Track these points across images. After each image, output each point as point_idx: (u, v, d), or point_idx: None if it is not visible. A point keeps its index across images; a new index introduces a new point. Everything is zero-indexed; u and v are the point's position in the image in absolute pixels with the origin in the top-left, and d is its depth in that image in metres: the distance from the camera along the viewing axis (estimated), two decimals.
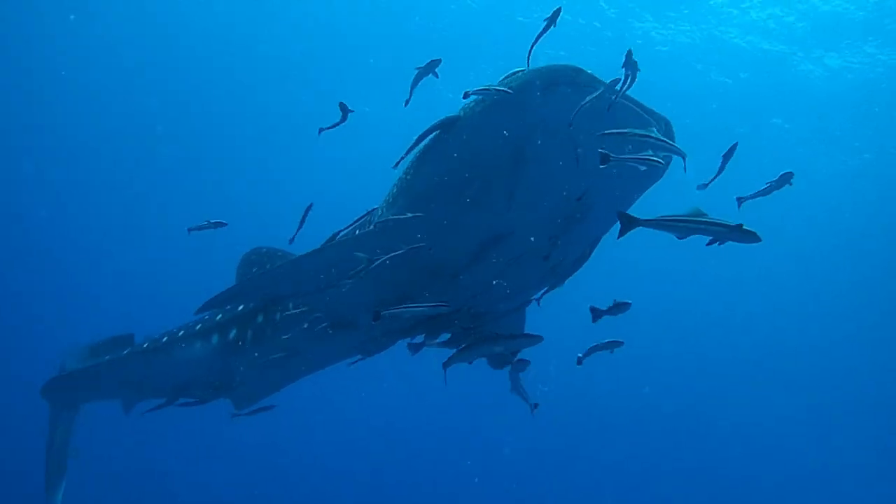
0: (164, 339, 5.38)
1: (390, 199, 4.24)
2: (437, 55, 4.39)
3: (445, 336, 4.57)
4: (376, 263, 3.84)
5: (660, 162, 3.35)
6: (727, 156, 4.43)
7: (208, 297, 4.25)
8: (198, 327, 5.28)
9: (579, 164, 3.50)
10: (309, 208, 5.12)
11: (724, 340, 28.86)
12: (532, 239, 3.92)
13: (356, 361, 4.89)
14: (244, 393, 5.31)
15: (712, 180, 4.46)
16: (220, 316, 5.24)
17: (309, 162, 27.03)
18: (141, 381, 5.50)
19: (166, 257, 28.85)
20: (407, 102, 4.40)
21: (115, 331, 5.88)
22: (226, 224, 5.46)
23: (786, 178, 4.51)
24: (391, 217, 4.05)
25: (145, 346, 5.46)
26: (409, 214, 3.87)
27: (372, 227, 4.21)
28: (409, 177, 4.11)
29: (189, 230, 5.47)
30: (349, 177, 24.04)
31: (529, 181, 3.66)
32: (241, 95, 24.77)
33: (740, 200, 4.67)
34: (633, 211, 3.50)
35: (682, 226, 2.95)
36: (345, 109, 4.51)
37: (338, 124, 4.59)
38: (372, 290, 4.27)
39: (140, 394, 5.70)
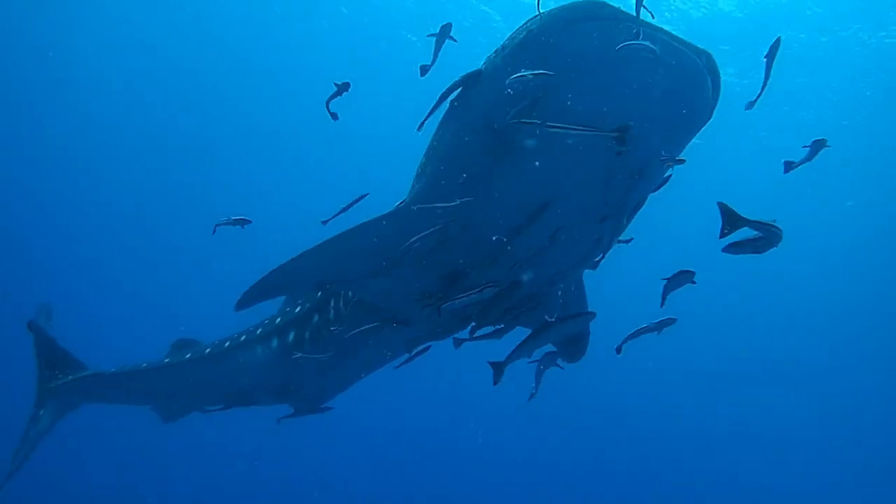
0: (227, 343, 5.31)
1: (419, 170, 4.05)
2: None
3: (488, 328, 4.40)
4: (420, 236, 3.61)
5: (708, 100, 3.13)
6: (770, 56, 4.04)
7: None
8: (258, 332, 5.20)
9: (614, 107, 3.20)
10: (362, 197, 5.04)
11: (726, 341, 28.84)
12: (577, 201, 3.58)
13: (413, 357, 4.72)
14: (304, 397, 5.25)
15: (759, 95, 4.18)
16: (279, 319, 5.16)
17: (309, 162, 27.06)
18: (200, 386, 5.45)
19: (166, 259, 28.90)
20: (426, 70, 4.20)
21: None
22: (250, 221, 5.42)
23: (820, 144, 4.29)
24: (422, 186, 3.83)
25: (208, 351, 5.39)
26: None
27: (405, 200, 4.01)
28: (435, 142, 3.90)
29: (215, 227, 5.45)
30: (349, 182, 24.04)
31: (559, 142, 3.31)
32: (239, 97, 24.75)
33: (788, 166, 4.47)
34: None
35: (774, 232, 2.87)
36: (342, 88, 4.46)
37: (335, 96, 4.53)
38: (415, 276, 4.09)
39: (196, 399, 5.63)
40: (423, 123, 3.63)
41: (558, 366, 4.56)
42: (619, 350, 4.34)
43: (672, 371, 28.52)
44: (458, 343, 4.39)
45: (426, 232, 3.62)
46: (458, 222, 3.66)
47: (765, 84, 4.07)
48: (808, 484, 26.18)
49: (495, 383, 4.06)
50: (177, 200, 28.21)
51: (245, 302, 4.02)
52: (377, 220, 3.91)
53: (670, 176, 3.81)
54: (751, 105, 4.42)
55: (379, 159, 22.16)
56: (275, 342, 5.05)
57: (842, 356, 27.64)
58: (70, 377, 5.87)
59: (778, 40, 3.98)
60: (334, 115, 4.71)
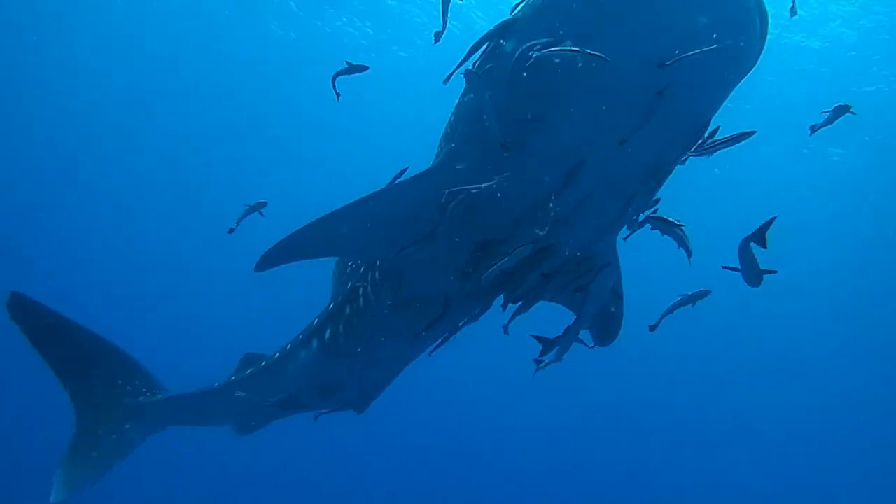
0: (277, 354, 5.29)
1: (448, 130, 3.87)
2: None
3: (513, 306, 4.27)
4: (470, 188, 3.43)
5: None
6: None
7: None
8: (300, 337, 5.17)
9: (654, 49, 3.03)
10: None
11: (727, 342, 28.85)
12: (614, 154, 3.39)
13: (446, 340, 4.57)
14: (347, 397, 5.19)
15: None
16: (316, 320, 5.12)
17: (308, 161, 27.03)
18: (261, 399, 5.32)
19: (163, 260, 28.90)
20: (440, 36, 4.08)
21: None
22: (265, 203, 5.31)
23: (843, 109, 4.19)
24: (453, 147, 3.65)
25: (263, 364, 5.35)
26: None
27: (436, 162, 3.84)
28: (466, 98, 3.67)
29: (234, 226, 5.39)
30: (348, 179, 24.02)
31: (600, 82, 3.15)
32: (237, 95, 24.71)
33: (813, 129, 4.38)
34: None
35: None
36: (356, 68, 4.37)
37: (346, 73, 4.44)
38: (449, 244, 3.89)
39: (261, 413, 5.52)
40: (450, 77, 3.48)
41: (583, 342, 4.41)
42: (653, 328, 4.29)
43: (671, 371, 28.57)
44: (505, 328, 4.27)
45: (476, 186, 3.43)
46: (500, 181, 3.45)
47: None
48: (806, 484, 26.19)
49: (540, 358, 4.04)
50: (177, 200, 28.26)
51: (266, 263, 3.75)
52: (416, 179, 3.76)
53: (706, 139, 3.58)
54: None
55: (378, 158, 22.12)
56: (315, 343, 5.00)
57: (842, 355, 27.64)
58: (159, 396, 5.62)
59: None
60: (338, 94, 4.60)
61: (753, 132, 3.53)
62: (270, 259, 3.73)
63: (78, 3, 20.12)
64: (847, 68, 17.22)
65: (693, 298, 4.08)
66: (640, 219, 3.81)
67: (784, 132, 18.63)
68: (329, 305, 5.03)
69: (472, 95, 3.60)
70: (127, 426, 5.56)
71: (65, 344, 5.35)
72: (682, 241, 3.59)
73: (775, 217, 3.24)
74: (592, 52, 2.92)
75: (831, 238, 24.73)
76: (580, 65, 2.97)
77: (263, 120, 25.23)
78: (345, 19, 19.55)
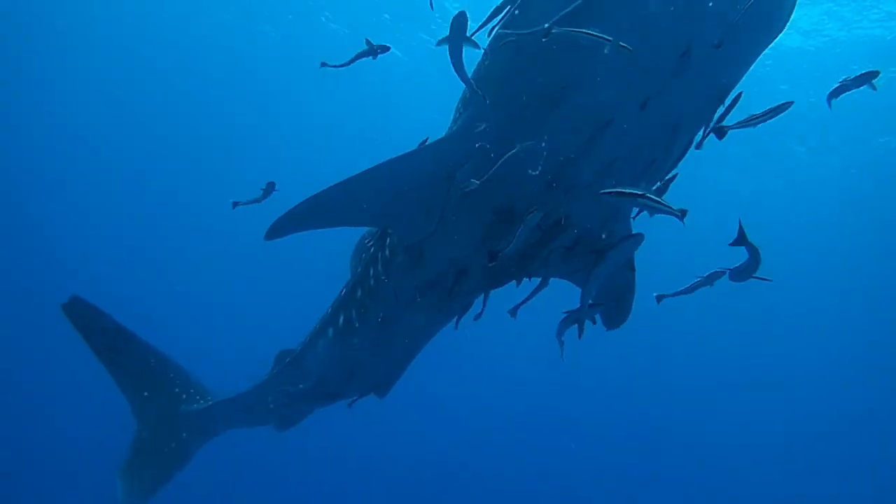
0: (299, 349, 5.24)
1: (467, 95, 3.68)
2: None
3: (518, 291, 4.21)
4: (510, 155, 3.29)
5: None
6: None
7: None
8: (317, 326, 5.10)
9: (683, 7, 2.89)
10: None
11: (729, 343, 28.86)
12: (637, 118, 3.25)
13: (463, 314, 4.47)
14: (369, 382, 5.13)
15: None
16: (330, 309, 5.06)
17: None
18: (291, 393, 5.35)
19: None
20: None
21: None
22: (273, 183, 5.31)
23: (872, 75, 4.00)
24: (472, 112, 3.52)
25: (288, 360, 5.31)
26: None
27: (454, 129, 3.71)
28: (487, 62, 3.50)
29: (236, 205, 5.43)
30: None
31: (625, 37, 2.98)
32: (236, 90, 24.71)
33: (837, 92, 4.21)
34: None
35: None
36: (376, 49, 4.33)
37: (364, 55, 4.44)
38: (468, 215, 3.77)
39: (293, 408, 5.53)
40: (472, 35, 3.36)
41: (593, 321, 4.35)
42: (659, 299, 4.26)
43: (671, 375, 28.58)
44: (513, 312, 4.23)
45: (512, 152, 3.29)
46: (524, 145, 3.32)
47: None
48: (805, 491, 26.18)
49: (560, 335, 4.01)
50: (179, 200, 28.29)
51: (277, 231, 3.58)
52: (435, 146, 3.65)
53: (729, 107, 3.46)
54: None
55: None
56: (330, 331, 4.93)
57: (840, 362, 27.63)
58: (210, 401, 5.62)
59: None
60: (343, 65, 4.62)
61: (791, 103, 3.49)
62: (281, 227, 3.58)
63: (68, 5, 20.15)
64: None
65: (710, 279, 3.97)
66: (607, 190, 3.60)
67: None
68: (341, 292, 4.95)
69: (491, 60, 3.46)
70: (184, 435, 5.59)
71: (123, 351, 5.39)
72: (653, 208, 3.42)
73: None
74: (623, 45, 2.83)
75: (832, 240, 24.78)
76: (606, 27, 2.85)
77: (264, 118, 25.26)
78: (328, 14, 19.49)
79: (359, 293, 4.68)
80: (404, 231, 4.11)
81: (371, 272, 4.54)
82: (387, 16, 18.54)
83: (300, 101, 23.82)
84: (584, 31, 2.84)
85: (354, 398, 5.23)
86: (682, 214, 3.18)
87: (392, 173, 3.64)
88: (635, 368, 28.46)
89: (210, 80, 24.19)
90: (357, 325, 4.71)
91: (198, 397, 5.62)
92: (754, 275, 3.61)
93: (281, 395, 5.29)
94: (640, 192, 2.99)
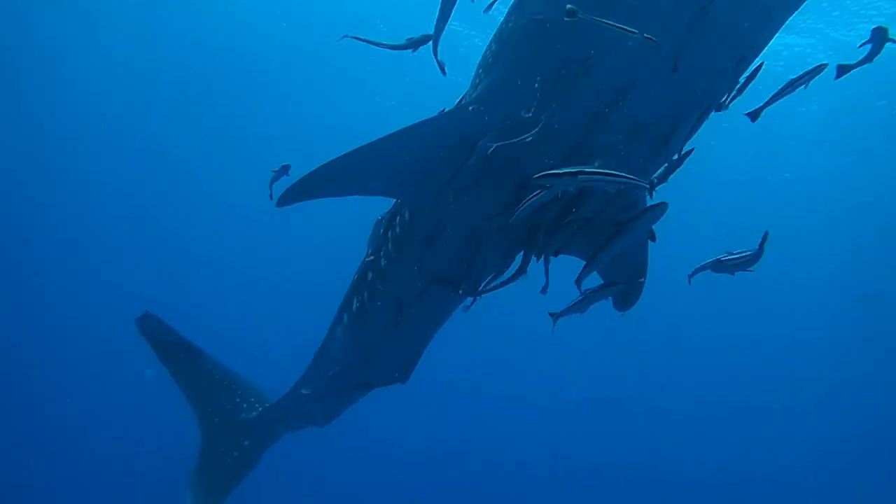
0: (321, 344, 5.24)
1: (489, 60, 3.57)
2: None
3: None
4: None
5: None
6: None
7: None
8: (335, 315, 5.06)
9: None
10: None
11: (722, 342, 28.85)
12: (659, 81, 3.17)
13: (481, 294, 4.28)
14: (387, 367, 5.06)
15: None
16: (344, 296, 5.02)
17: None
18: (327, 384, 5.35)
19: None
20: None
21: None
22: (289, 166, 5.33)
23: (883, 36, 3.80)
24: (496, 77, 3.41)
25: (315, 350, 5.35)
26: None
27: (475, 94, 3.57)
28: (510, 24, 3.39)
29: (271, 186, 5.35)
30: None
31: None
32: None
33: (842, 70, 4.21)
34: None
35: None
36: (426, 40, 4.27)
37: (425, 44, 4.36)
38: (486, 184, 3.66)
39: (333, 399, 5.52)
40: (492, 5, 3.38)
41: (606, 298, 4.29)
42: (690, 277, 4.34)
43: (669, 374, 28.59)
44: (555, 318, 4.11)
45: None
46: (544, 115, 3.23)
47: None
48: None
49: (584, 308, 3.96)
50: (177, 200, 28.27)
51: (289, 197, 3.50)
52: (456, 112, 3.54)
53: (752, 74, 3.38)
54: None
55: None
56: (345, 317, 4.90)
57: (843, 365, 27.62)
58: (264, 404, 5.75)
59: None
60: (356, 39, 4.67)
61: (825, 65, 3.47)
62: (294, 193, 3.50)
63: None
64: None
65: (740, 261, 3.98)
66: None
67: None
68: (354, 277, 4.91)
69: (514, 23, 3.37)
70: (245, 443, 5.73)
71: (188, 364, 5.64)
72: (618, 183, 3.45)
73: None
74: (648, 37, 2.77)
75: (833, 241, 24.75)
76: None
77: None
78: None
79: (370, 276, 4.61)
80: (419, 202, 3.96)
81: (382, 252, 4.46)
82: None
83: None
84: (608, 22, 2.80)
85: (382, 385, 5.18)
86: (650, 187, 3.28)
87: (410, 140, 3.53)
88: (636, 368, 28.52)
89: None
90: (369, 308, 4.65)
91: (256, 405, 5.74)
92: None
93: (316, 387, 5.30)
94: (575, 170, 2.94)
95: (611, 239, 3.73)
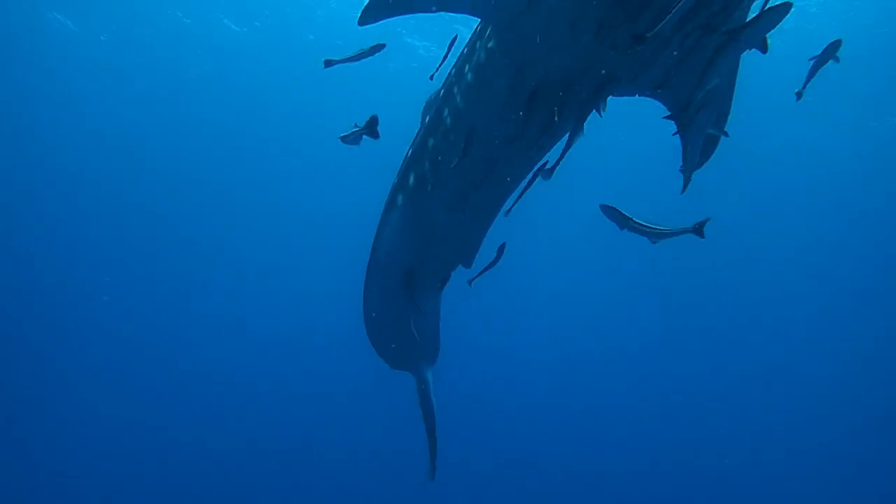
0: (375, 238, 4.89)
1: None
2: None
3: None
4: None
5: None
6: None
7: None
8: (386, 202, 4.71)
9: None
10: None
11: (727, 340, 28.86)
12: None
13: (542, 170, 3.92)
14: (448, 250, 4.72)
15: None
16: (396, 177, 4.68)
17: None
18: (384, 289, 5.03)
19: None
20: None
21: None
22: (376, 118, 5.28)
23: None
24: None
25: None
26: None
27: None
28: None
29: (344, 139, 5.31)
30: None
31: None
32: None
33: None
34: None
35: None
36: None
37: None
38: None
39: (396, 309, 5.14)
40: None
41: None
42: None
43: (668, 375, 28.61)
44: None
45: None
46: None
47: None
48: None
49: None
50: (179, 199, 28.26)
51: (371, 15, 3.49)
52: None
53: None
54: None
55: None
56: (400, 198, 4.57)
57: (837, 359, 27.66)
58: None
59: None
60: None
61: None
62: (373, 9, 3.46)
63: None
64: None
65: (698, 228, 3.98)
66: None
67: None
68: (408, 152, 4.60)
69: None
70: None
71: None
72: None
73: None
74: None
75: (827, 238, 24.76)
76: None
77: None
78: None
79: (431, 142, 4.29)
80: (505, 16, 3.54)
81: (445, 113, 4.17)
82: None
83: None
84: None
85: (440, 277, 4.86)
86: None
87: None
88: (634, 368, 28.54)
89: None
90: (430, 179, 4.31)
91: None
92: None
93: (381, 299, 4.99)
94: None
95: (721, 48, 3.25)
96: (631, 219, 3.98)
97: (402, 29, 18.18)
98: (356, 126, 4.50)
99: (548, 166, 3.85)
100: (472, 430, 25.65)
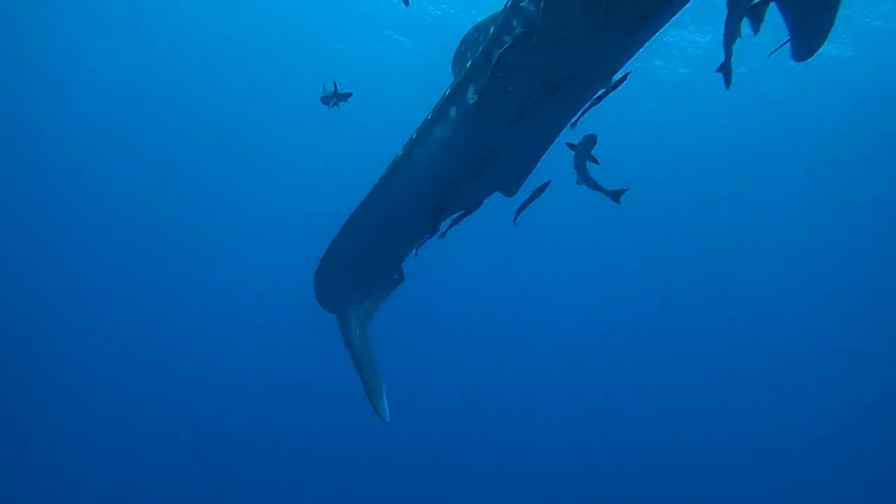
0: (401, 151, 4.59)
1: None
2: None
3: None
4: None
5: None
6: None
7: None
8: (429, 117, 4.43)
9: None
10: None
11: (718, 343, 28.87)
12: None
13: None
14: (503, 168, 4.45)
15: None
16: (449, 89, 4.37)
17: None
18: (396, 216, 4.70)
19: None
20: None
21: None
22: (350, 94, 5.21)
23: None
24: None
25: (393, 159, 4.69)
26: None
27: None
28: None
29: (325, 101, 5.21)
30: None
31: None
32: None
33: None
34: None
35: None
36: None
37: None
38: None
39: (403, 238, 4.90)
40: None
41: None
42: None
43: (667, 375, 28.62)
44: None
45: None
46: None
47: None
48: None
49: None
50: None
51: None
52: None
53: None
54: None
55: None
56: (453, 110, 4.29)
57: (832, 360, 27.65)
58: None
59: None
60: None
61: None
62: None
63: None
64: None
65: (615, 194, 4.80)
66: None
67: None
68: (468, 62, 4.34)
69: None
70: (346, 327, 5.54)
71: None
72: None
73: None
74: None
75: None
76: None
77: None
78: None
79: (495, 52, 3.95)
80: None
81: (514, 22, 3.91)
82: None
83: None
84: None
85: (472, 203, 4.59)
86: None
87: None
88: (634, 368, 28.54)
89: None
90: (493, 92, 4.01)
91: None
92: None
93: (396, 204, 4.72)
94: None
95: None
96: (587, 161, 4.63)
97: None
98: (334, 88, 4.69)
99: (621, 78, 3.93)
100: (471, 431, 25.69)
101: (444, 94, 4.38)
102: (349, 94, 5.61)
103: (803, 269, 26.93)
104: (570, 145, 4.66)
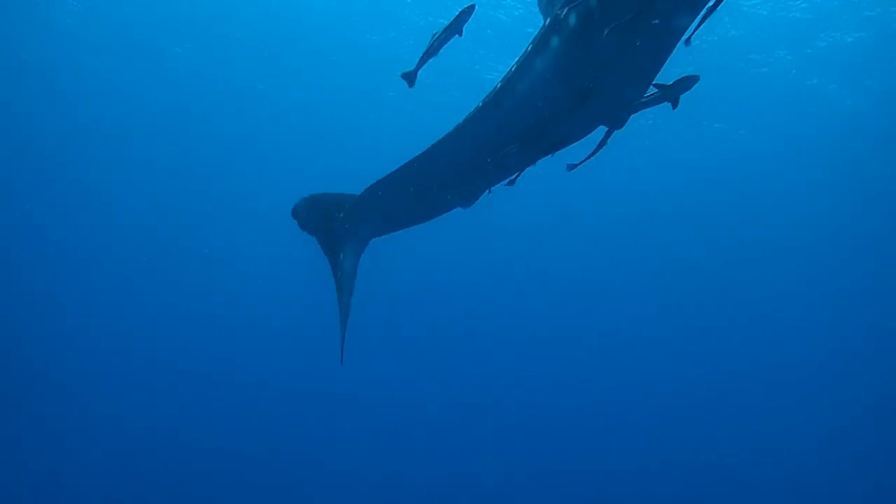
0: (498, 85, 4.21)
1: None
2: None
3: None
4: None
5: None
6: None
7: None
8: (530, 48, 3.99)
9: None
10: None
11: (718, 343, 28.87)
12: None
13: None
14: (610, 91, 4.00)
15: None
16: (549, 19, 3.92)
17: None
18: (492, 138, 4.31)
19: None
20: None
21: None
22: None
23: None
24: None
25: (482, 102, 4.32)
26: None
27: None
28: None
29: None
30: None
31: None
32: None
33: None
34: None
35: None
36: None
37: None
38: None
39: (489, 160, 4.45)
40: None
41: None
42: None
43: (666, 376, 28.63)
44: None
45: None
46: None
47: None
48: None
49: None
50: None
51: None
52: None
53: None
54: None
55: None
56: (555, 40, 3.85)
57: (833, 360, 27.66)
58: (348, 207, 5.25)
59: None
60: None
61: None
62: None
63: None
64: None
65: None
66: None
67: None
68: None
69: None
70: (341, 256, 5.42)
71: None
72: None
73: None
74: None
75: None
76: None
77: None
78: None
79: None
80: None
81: None
82: None
83: None
84: None
85: (562, 143, 4.26)
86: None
87: None
88: (634, 367, 28.55)
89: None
90: (602, 19, 3.56)
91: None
92: None
93: (477, 146, 4.38)
94: None
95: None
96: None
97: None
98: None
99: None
100: (471, 431, 25.71)
101: (543, 26, 4.00)
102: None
103: (804, 268, 26.93)
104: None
